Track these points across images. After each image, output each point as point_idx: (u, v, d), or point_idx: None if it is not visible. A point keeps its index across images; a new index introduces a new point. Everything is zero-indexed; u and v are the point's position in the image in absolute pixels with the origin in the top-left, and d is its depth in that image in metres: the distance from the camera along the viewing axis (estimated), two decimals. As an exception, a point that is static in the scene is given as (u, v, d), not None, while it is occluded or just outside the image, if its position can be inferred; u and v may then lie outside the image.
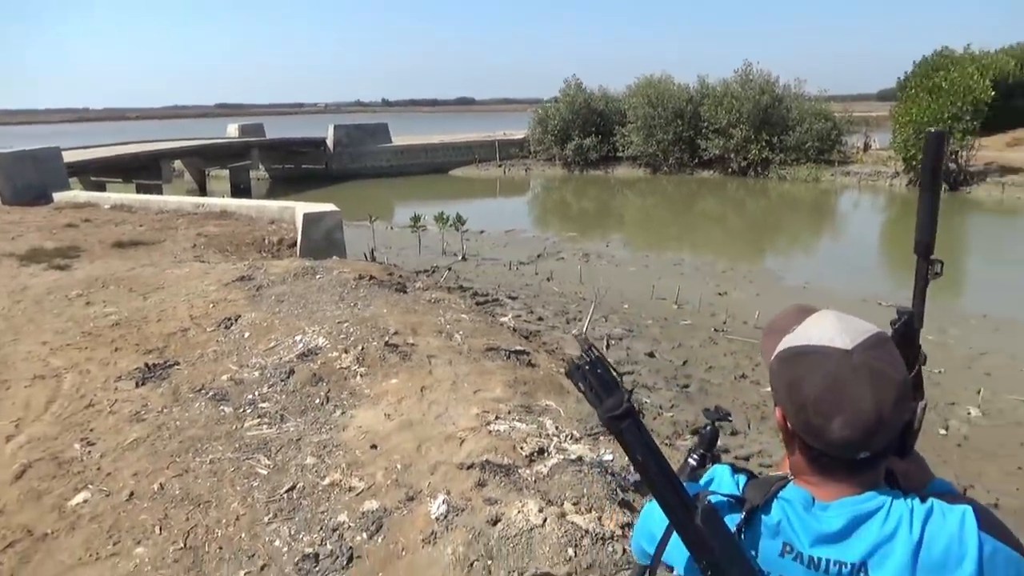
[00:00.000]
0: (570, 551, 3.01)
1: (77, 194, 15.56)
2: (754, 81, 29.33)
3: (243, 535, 3.27)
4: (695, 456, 1.42)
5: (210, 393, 4.83)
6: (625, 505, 3.46)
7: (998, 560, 0.92)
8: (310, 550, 3.15)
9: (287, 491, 3.62)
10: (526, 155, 33.69)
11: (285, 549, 3.17)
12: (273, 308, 6.47)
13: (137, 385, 4.98)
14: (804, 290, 11.89)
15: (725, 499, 1.02)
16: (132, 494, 3.61)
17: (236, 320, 6.15)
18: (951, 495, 1.03)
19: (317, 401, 4.72)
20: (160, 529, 3.32)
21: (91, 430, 4.35)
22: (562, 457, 3.83)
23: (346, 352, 5.37)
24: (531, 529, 3.12)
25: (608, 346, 8.70)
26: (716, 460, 1.40)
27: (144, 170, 23.16)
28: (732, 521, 0.99)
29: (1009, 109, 27.32)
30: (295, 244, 10.88)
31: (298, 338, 5.68)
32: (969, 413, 6.92)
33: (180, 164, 29.32)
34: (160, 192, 20.42)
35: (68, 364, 5.40)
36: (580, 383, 0.94)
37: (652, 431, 0.98)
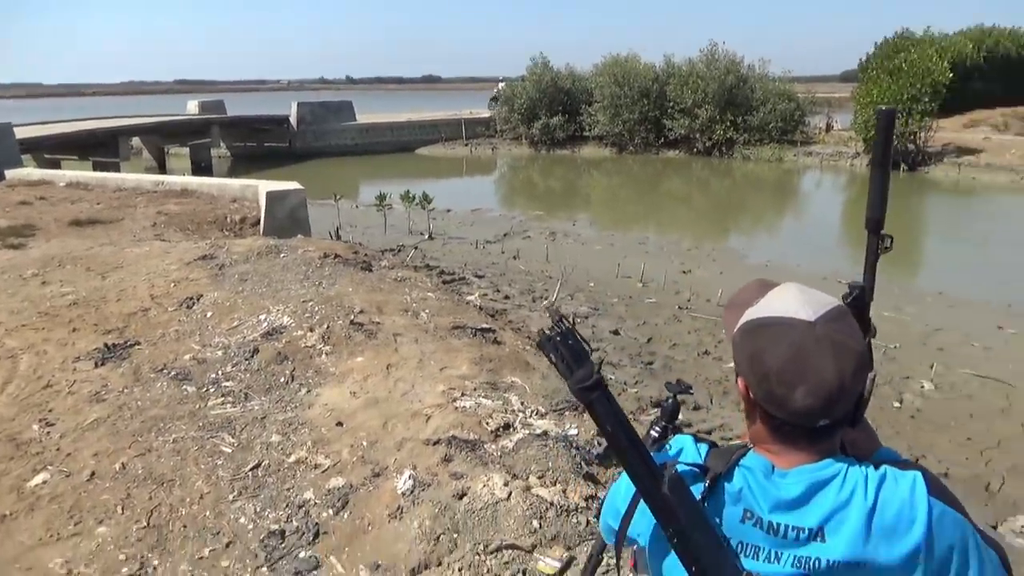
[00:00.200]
0: (535, 523, 3.06)
1: (31, 171, 15.11)
2: (719, 61, 29.44)
3: (208, 513, 3.26)
4: (657, 428, 1.42)
5: (172, 373, 4.77)
6: (589, 478, 3.52)
7: (946, 522, 0.96)
8: (276, 527, 3.16)
9: (252, 469, 3.61)
10: (492, 134, 33.48)
11: (251, 526, 3.17)
12: (236, 287, 6.39)
13: (96, 365, 4.89)
14: (767, 268, 12.06)
15: (689, 468, 1.03)
16: (93, 474, 3.57)
17: (198, 299, 6.06)
18: (900, 462, 1.06)
19: (282, 380, 4.70)
20: (123, 509, 3.29)
21: (49, 411, 4.28)
22: (527, 432, 3.87)
23: (311, 331, 5.34)
24: (497, 502, 3.16)
25: (574, 324, 8.74)
26: (678, 432, 1.40)
27: (101, 147, 22.51)
28: (697, 490, 1.01)
29: (966, 91, 27.83)
30: (258, 223, 10.73)
31: (262, 317, 5.63)
32: (923, 387, 7.13)
33: (138, 141, 28.58)
34: (118, 170, 19.87)
35: (24, 345, 5.28)
36: (551, 354, 0.95)
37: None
